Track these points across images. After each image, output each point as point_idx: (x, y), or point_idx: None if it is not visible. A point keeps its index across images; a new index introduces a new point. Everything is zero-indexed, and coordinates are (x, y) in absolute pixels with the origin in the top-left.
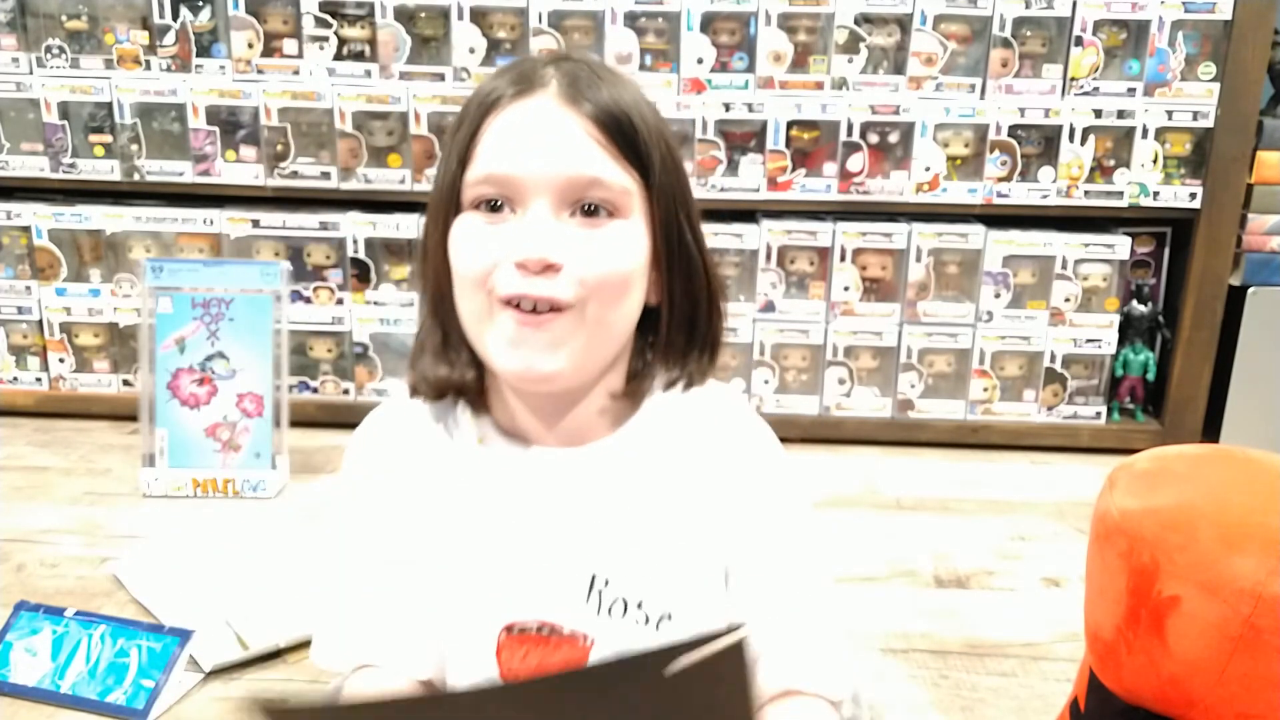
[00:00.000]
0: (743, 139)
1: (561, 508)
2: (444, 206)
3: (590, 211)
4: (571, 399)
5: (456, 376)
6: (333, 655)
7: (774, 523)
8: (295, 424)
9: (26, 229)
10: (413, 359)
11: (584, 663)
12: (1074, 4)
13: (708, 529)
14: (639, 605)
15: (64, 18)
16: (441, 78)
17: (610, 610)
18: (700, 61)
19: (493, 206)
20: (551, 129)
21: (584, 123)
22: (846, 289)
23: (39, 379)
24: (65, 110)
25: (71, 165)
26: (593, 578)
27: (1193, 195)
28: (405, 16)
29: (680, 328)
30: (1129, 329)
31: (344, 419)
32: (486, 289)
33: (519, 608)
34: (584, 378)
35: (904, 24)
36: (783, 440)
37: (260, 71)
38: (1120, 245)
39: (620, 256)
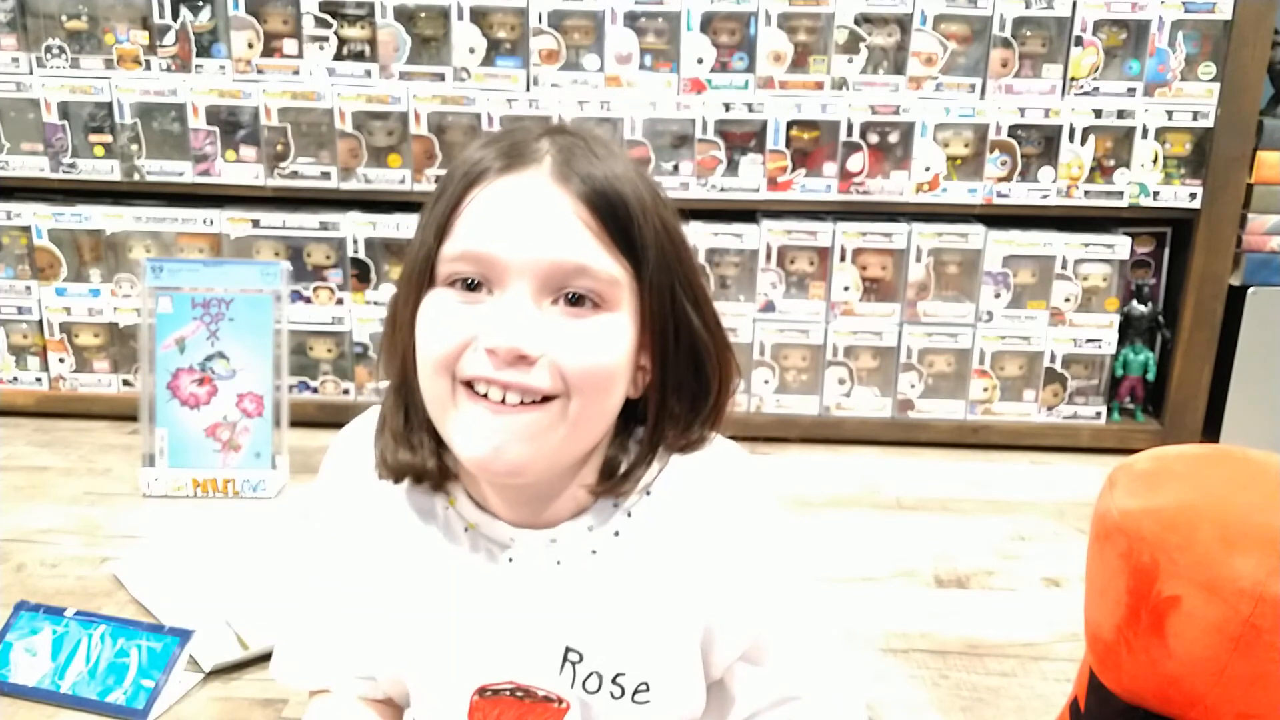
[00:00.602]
0: (743, 139)
1: (534, 583)
2: (417, 279)
3: (574, 300)
4: (541, 492)
5: (419, 463)
6: (291, 673)
7: (756, 585)
8: (295, 424)
9: (26, 229)
10: (375, 436)
11: None
12: (1074, 4)
13: (685, 597)
14: (614, 679)
15: (64, 18)
16: (441, 78)
17: (585, 684)
18: (700, 61)
19: (469, 285)
20: (539, 209)
21: (575, 205)
22: (846, 289)
23: (39, 379)
24: (65, 110)
25: (71, 165)
26: (566, 650)
27: (1193, 195)
28: (405, 16)
29: (681, 410)
30: (1129, 329)
31: (344, 419)
32: (451, 372)
33: (490, 671)
34: (554, 473)
35: (904, 24)
36: (782, 440)
37: (260, 71)
38: (1120, 245)
39: (603, 351)
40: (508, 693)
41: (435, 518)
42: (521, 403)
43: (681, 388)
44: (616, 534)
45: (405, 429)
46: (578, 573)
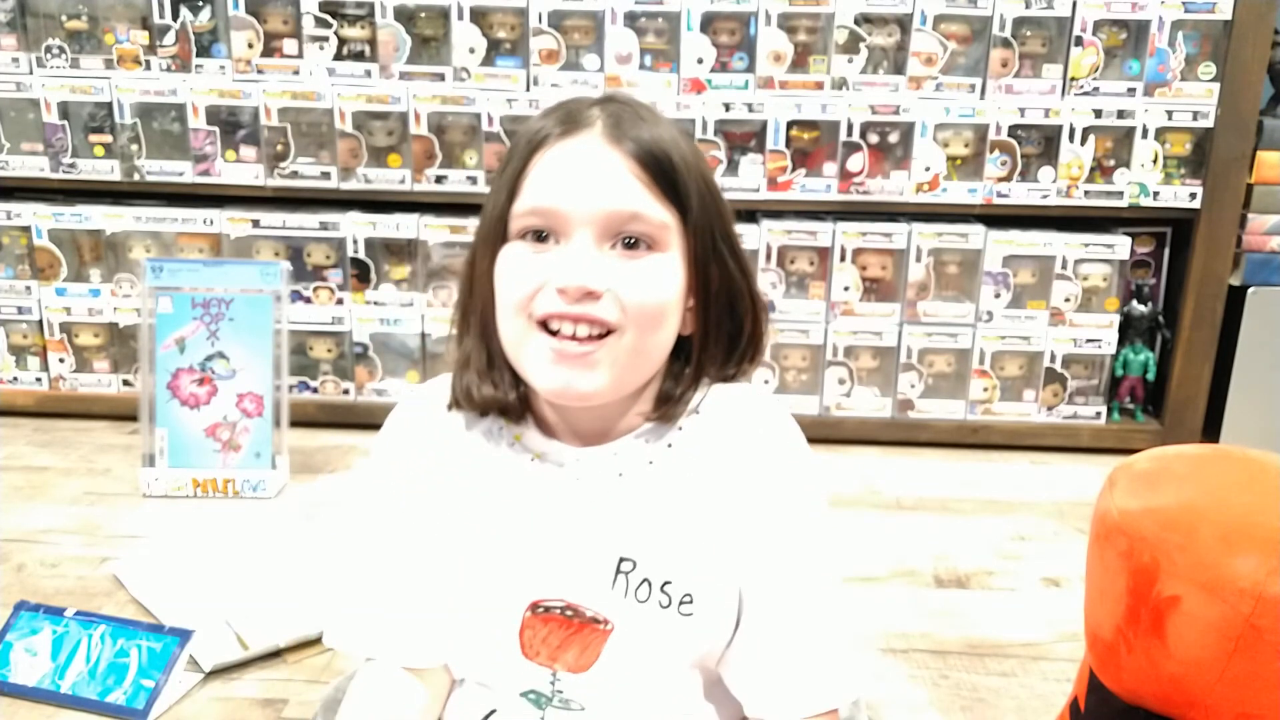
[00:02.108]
0: (743, 139)
1: (597, 496)
2: (492, 236)
3: (630, 244)
4: (604, 416)
5: (501, 395)
6: (346, 640)
7: (783, 527)
8: (295, 424)
9: (26, 229)
10: (456, 374)
11: (601, 647)
12: (1074, 4)
13: (726, 502)
14: (663, 587)
15: (64, 18)
16: (441, 78)
17: (636, 592)
18: (700, 61)
19: (539, 237)
20: (595, 166)
21: (626, 161)
22: (846, 289)
23: (39, 379)
24: (65, 110)
25: (71, 165)
26: (620, 561)
27: (1193, 195)
28: (405, 16)
29: (719, 348)
30: (1129, 329)
31: (344, 419)
32: (527, 312)
33: (545, 587)
34: (618, 396)
35: (904, 24)
36: None
37: (260, 71)
38: (1120, 245)
39: (658, 286)
40: (558, 610)
41: (501, 451)
42: (589, 337)
43: (720, 325)
44: (670, 446)
45: (488, 367)
46: (636, 482)
